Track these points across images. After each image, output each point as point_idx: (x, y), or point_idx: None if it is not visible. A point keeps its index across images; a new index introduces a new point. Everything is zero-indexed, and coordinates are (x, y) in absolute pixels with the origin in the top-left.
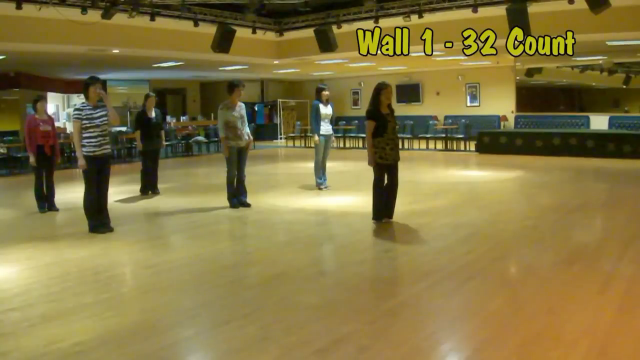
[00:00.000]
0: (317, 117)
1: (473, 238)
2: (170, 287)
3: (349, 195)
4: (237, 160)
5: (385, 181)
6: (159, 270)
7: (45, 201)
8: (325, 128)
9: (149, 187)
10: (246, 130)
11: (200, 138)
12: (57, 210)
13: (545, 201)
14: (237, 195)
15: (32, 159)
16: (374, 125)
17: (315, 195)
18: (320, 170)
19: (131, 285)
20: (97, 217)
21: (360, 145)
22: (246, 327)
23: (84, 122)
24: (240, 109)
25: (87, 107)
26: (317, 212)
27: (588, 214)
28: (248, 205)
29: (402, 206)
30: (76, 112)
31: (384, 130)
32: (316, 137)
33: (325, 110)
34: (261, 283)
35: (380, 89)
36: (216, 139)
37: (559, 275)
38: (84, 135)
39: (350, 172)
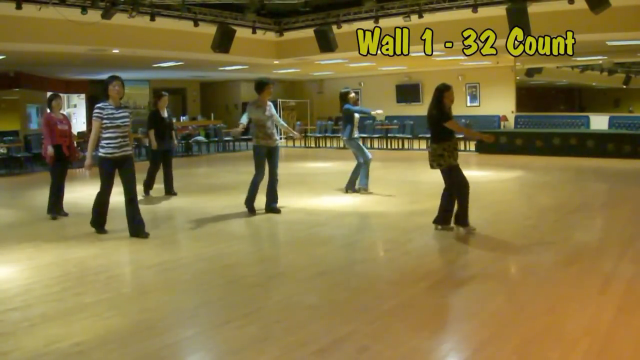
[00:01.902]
0: (352, 122)
1: (473, 238)
2: (170, 287)
3: (349, 196)
4: (265, 162)
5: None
6: (159, 270)
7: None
8: (356, 132)
9: (149, 187)
10: (282, 124)
11: (201, 138)
12: (65, 215)
13: (545, 201)
14: (267, 201)
15: (50, 150)
16: (456, 122)
17: (316, 195)
18: (365, 171)
19: (131, 285)
20: (104, 215)
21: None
22: (246, 327)
23: (105, 121)
24: (270, 107)
25: (109, 107)
26: (318, 212)
27: (588, 214)
28: (278, 212)
29: (402, 206)
30: (97, 110)
31: (451, 133)
32: (355, 138)
33: (356, 115)
34: (261, 283)
35: (442, 91)
36: (216, 139)
37: (559, 275)
38: (104, 135)
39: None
